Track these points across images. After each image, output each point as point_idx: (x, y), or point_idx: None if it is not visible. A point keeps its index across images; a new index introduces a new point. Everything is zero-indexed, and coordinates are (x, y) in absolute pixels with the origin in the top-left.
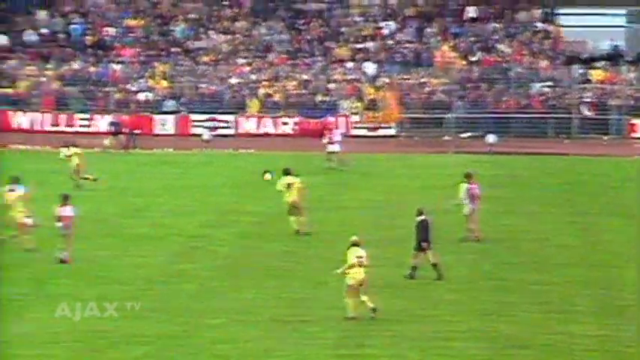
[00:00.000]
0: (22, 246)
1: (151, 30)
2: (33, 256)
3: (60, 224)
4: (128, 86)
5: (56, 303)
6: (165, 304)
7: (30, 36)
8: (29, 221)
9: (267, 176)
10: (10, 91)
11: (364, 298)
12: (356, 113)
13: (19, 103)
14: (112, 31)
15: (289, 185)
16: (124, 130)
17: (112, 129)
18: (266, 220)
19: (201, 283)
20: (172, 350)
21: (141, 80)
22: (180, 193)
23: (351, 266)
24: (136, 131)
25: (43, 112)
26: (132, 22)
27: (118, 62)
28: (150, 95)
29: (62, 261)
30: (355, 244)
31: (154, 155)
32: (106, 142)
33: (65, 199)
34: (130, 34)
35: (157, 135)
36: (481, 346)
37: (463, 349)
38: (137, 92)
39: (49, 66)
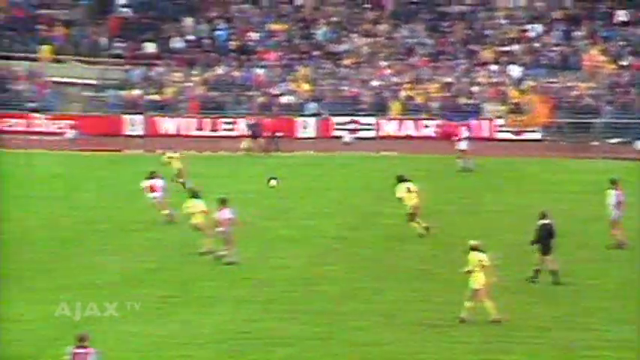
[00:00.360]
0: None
1: (293, 34)
2: (181, 258)
3: (220, 228)
4: (271, 90)
5: (201, 305)
6: (307, 305)
7: (176, 43)
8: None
9: (273, 182)
10: (157, 97)
11: (488, 304)
12: (500, 117)
13: (166, 109)
14: (255, 35)
15: (409, 190)
16: (264, 132)
17: (251, 131)
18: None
19: (343, 285)
20: (315, 352)
21: (283, 84)
22: (321, 195)
23: (472, 270)
24: (278, 134)
25: (188, 117)
26: (275, 27)
27: (261, 66)
28: (292, 98)
29: (230, 263)
30: (474, 249)
31: (296, 158)
32: (244, 144)
33: (223, 203)
34: (273, 38)
35: (299, 138)
36: (632, 357)
37: (612, 359)
38: (279, 95)
39: (194, 72)
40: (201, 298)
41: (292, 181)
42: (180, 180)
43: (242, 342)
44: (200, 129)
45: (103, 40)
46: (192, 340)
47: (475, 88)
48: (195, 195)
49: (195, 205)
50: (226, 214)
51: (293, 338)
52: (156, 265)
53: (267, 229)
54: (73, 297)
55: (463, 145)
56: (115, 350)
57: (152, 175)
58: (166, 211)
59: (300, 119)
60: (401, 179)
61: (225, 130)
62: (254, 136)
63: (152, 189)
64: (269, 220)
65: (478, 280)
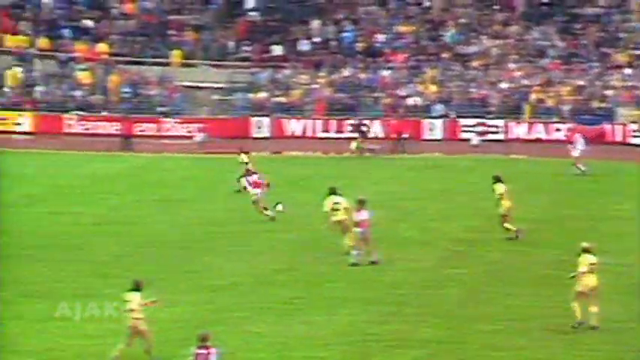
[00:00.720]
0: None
1: (420, 35)
2: (309, 259)
3: (359, 229)
4: (397, 91)
5: (328, 306)
6: (435, 308)
7: (303, 45)
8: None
9: (279, 207)
10: (283, 99)
11: (594, 309)
12: (634, 121)
13: (293, 111)
14: (382, 37)
15: (503, 192)
16: (369, 133)
17: (358, 132)
18: (537, 227)
19: (470, 289)
20: (442, 355)
21: (410, 85)
22: (448, 197)
23: (583, 273)
24: (404, 135)
25: (314, 118)
26: (402, 28)
27: (388, 68)
28: (419, 100)
29: (373, 262)
30: (586, 251)
31: (422, 160)
32: (353, 145)
33: (361, 204)
34: (400, 40)
35: (425, 140)
36: None
37: None
38: (406, 97)
39: (321, 73)
40: (328, 298)
41: (418, 183)
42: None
43: (369, 344)
44: (326, 130)
45: (231, 44)
46: (318, 341)
47: (608, 92)
48: (334, 192)
49: (340, 202)
50: (365, 215)
51: (422, 341)
52: (284, 265)
53: (394, 230)
54: (202, 298)
55: (576, 153)
56: (240, 350)
57: (249, 173)
58: (265, 207)
59: (426, 121)
60: (497, 180)
61: (351, 131)
62: (362, 136)
63: (256, 185)
64: (395, 222)
65: (587, 283)
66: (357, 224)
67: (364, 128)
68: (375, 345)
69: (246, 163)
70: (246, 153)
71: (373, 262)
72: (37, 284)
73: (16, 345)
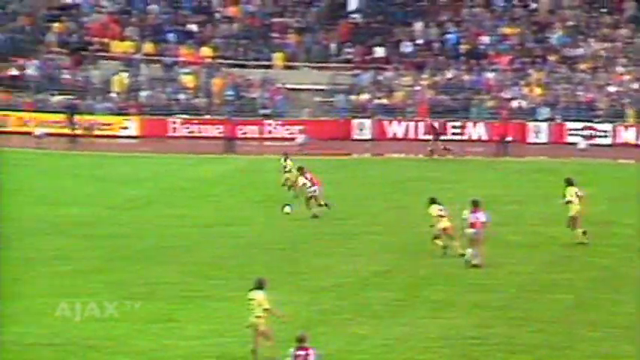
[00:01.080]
0: (455, 252)
1: (526, 37)
2: (411, 261)
3: (472, 230)
4: (502, 94)
5: (431, 308)
6: (540, 313)
7: (406, 47)
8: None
9: (287, 209)
10: (385, 101)
11: None
12: None
13: (395, 113)
14: (486, 39)
15: (576, 195)
16: (440, 133)
17: (431, 133)
18: None
19: (577, 294)
20: None
21: (515, 88)
22: (553, 201)
23: None
24: (508, 139)
25: (416, 120)
26: (507, 30)
27: (492, 70)
28: (523, 103)
29: (475, 265)
30: None
31: (527, 163)
32: (430, 148)
33: (476, 205)
34: (505, 42)
35: (530, 143)
36: None
37: None
38: (510, 100)
39: (423, 75)
40: (430, 301)
41: (523, 187)
42: (293, 187)
43: (473, 348)
44: (429, 133)
45: (334, 46)
46: (420, 344)
47: None
48: (434, 201)
49: (440, 210)
50: (481, 216)
51: (526, 346)
52: (385, 267)
53: (498, 234)
54: (305, 299)
55: None
56: (342, 352)
57: (303, 172)
58: (322, 203)
59: (531, 124)
60: (569, 182)
61: (453, 134)
62: (435, 137)
63: (312, 182)
64: (499, 226)
65: None
66: (471, 225)
67: (438, 129)
68: (478, 349)
69: (289, 170)
70: (289, 162)
71: (475, 266)
72: (143, 286)
73: (123, 346)
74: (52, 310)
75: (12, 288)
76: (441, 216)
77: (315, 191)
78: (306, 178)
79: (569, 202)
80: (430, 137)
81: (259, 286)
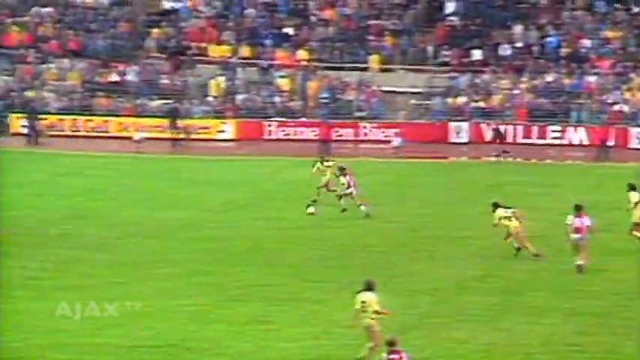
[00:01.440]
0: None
1: (628, 41)
2: (507, 266)
3: (577, 235)
4: (603, 98)
5: (528, 314)
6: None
7: (504, 49)
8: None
9: (311, 210)
10: (483, 104)
11: None
12: None
13: (493, 116)
14: (587, 42)
15: (637, 201)
16: (503, 138)
17: (493, 136)
18: None
19: None
20: None
21: (616, 92)
22: None
23: None
24: (609, 143)
25: (515, 124)
26: (609, 34)
27: (594, 74)
28: (625, 107)
29: (579, 266)
30: None
31: (628, 169)
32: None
33: (580, 209)
34: (607, 46)
35: (632, 148)
36: None
37: None
38: (612, 104)
39: (522, 78)
40: (528, 307)
41: (623, 193)
42: (332, 189)
43: (572, 355)
44: (527, 137)
45: (430, 48)
46: (519, 350)
47: None
48: (498, 205)
49: (506, 212)
50: (586, 221)
51: (628, 355)
52: (481, 272)
53: (599, 240)
54: (402, 302)
55: None
56: (439, 357)
57: (344, 172)
58: (362, 206)
59: (634, 129)
60: (632, 187)
61: (553, 138)
62: (496, 140)
63: (350, 184)
64: (601, 232)
65: None
66: (577, 230)
67: (501, 132)
68: (579, 356)
69: (324, 172)
70: (329, 163)
71: (579, 266)
72: (240, 288)
73: (220, 348)
74: (154, 313)
75: (114, 291)
76: (508, 218)
77: (351, 193)
78: (346, 179)
79: (632, 208)
80: (496, 141)
81: (369, 287)
